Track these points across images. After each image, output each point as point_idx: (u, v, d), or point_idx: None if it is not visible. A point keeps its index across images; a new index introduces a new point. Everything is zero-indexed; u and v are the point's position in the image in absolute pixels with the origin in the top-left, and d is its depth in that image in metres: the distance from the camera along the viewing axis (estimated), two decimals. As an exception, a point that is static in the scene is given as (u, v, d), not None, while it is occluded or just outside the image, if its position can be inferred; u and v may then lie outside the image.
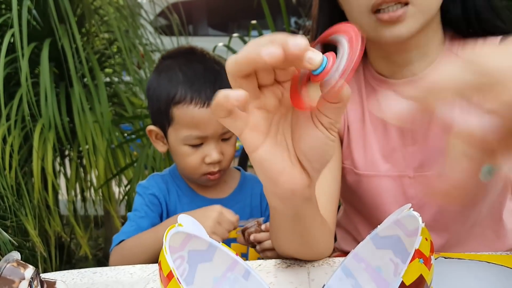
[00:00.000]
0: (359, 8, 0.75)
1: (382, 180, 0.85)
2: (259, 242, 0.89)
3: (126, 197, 1.98)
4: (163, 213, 0.99)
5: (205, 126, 0.91)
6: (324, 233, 0.69)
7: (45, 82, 1.78)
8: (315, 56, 0.38)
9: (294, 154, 0.46)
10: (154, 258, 0.86)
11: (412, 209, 0.46)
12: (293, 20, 4.12)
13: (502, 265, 0.59)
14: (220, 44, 2.02)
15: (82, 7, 2.06)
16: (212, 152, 0.93)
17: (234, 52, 1.98)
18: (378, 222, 0.90)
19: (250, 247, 0.94)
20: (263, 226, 0.90)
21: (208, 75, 0.94)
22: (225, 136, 0.95)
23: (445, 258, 0.64)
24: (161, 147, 1.00)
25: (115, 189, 2.08)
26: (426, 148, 0.83)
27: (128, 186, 1.98)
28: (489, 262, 0.60)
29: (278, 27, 1.88)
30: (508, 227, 0.89)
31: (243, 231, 0.91)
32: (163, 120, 0.95)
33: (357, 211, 0.95)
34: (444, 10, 0.79)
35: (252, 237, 0.89)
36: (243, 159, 3.10)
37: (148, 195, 0.98)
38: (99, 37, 2.22)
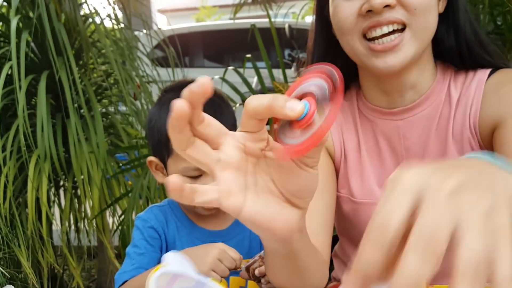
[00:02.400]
0: (351, 33, 0.76)
1: None
2: (264, 275, 0.88)
3: (120, 228, 1.97)
4: (162, 245, 0.98)
5: None
6: (318, 265, 0.68)
7: (42, 113, 1.80)
8: (296, 106, 0.38)
9: (280, 195, 0.45)
10: None
11: None
12: (286, 52, 4.19)
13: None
14: (216, 76, 2.06)
15: (80, 40, 2.10)
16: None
17: (229, 84, 2.02)
18: None
19: (256, 282, 0.93)
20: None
21: (208, 108, 0.95)
22: None
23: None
24: (160, 178, 1.00)
25: (109, 219, 2.07)
26: None
27: (122, 216, 1.97)
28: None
29: (272, 60, 1.92)
30: None
31: (247, 268, 0.90)
32: (163, 152, 0.96)
33: (352, 242, 0.95)
34: (437, 42, 0.81)
35: (257, 271, 0.88)
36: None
37: (147, 228, 0.97)
38: (96, 69, 2.26)
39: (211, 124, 0.43)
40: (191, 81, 1.08)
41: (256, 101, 0.39)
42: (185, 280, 0.51)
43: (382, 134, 0.86)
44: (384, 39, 0.73)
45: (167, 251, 0.98)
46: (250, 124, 0.41)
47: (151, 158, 1.00)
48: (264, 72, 1.88)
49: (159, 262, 0.94)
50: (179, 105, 0.38)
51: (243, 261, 0.90)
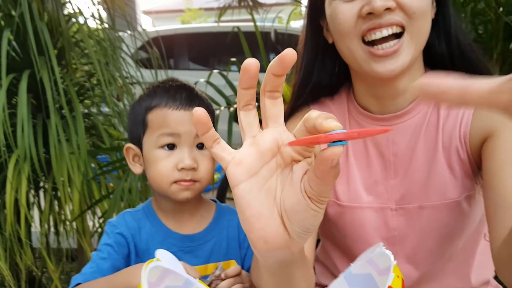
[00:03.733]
0: (350, 35, 0.76)
1: (365, 211, 0.86)
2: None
3: (99, 230, 1.95)
4: (131, 254, 0.96)
5: (177, 124, 0.91)
6: (307, 278, 0.65)
7: (22, 113, 1.77)
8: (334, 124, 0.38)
9: (279, 208, 0.45)
10: None
11: (384, 247, 0.47)
12: (271, 56, 4.20)
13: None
14: (202, 80, 2.05)
15: (62, 40, 2.08)
16: (184, 157, 0.91)
17: (214, 86, 2.01)
18: (356, 257, 0.90)
19: None
20: (222, 275, 0.88)
21: (185, 87, 0.97)
22: (200, 141, 0.94)
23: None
24: (137, 169, 0.99)
25: (90, 222, 2.05)
26: (407, 181, 0.84)
27: (102, 219, 1.95)
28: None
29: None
30: (481, 262, 0.90)
31: (209, 284, 0.88)
32: (139, 131, 0.95)
33: (336, 245, 0.95)
34: (428, 47, 0.81)
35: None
36: (222, 191, 3.10)
37: (115, 234, 0.94)
38: (79, 69, 2.23)
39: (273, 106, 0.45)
40: (176, 80, 1.08)
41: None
42: (176, 278, 0.51)
43: (371, 138, 0.86)
44: (384, 44, 0.74)
45: (137, 258, 0.96)
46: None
47: (128, 144, 0.98)
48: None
49: (119, 269, 0.91)
50: (252, 61, 0.42)
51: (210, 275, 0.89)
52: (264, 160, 0.44)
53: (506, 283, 0.70)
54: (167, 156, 0.92)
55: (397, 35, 0.75)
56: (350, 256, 0.91)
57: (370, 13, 0.73)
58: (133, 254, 0.95)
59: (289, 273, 0.55)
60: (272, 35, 3.46)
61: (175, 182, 0.92)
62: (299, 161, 0.44)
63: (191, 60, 5.71)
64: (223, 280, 0.88)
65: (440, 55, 0.84)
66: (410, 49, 0.75)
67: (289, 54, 0.40)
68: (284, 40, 3.56)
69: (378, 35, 0.74)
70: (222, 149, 0.45)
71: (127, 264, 0.95)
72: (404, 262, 0.87)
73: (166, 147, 0.92)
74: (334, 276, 0.98)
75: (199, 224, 1.00)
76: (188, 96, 0.94)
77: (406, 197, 0.84)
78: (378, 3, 0.71)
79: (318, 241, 1.14)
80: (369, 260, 0.49)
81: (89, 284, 0.88)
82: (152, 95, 0.95)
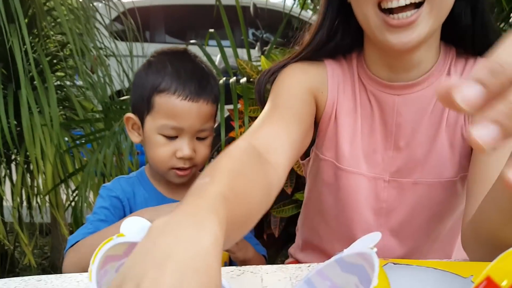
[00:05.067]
0: (366, 1, 0.71)
1: (359, 178, 0.85)
2: None
3: (73, 204, 1.92)
4: (126, 214, 0.96)
5: (182, 118, 0.91)
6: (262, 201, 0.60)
7: (-8, 83, 1.71)
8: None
9: None
10: None
11: (375, 249, 0.47)
12: (250, 31, 4.15)
13: (446, 271, 0.62)
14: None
15: (34, 7, 2.00)
16: (184, 147, 0.92)
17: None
18: (342, 229, 0.90)
19: None
20: None
21: (197, 73, 0.95)
22: (200, 135, 0.94)
23: (394, 264, 0.65)
24: (135, 138, 0.99)
25: (63, 196, 2.01)
26: (406, 155, 0.83)
27: (76, 192, 1.92)
28: (435, 268, 0.63)
29: (236, 38, 1.89)
30: None
31: None
32: (143, 108, 0.94)
33: (323, 212, 0.94)
34: (450, 20, 0.76)
35: None
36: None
37: (110, 197, 0.95)
38: (51, 39, 2.16)
39: None
40: (183, 49, 1.06)
41: None
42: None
43: (378, 105, 0.84)
44: (401, 14, 0.69)
45: None
46: None
47: (130, 114, 0.98)
48: (228, 51, 1.84)
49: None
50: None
51: None
52: None
53: (470, 257, 0.71)
54: (167, 143, 0.93)
55: (417, 5, 0.70)
56: (336, 224, 0.91)
57: None
58: (128, 214, 0.96)
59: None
60: (252, 9, 3.40)
61: (173, 168, 0.94)
62: None
63: (168, 33, 5.59)
64: None
65: (461, 30, 0.79)
66: (428, 21, 0.70)
67: None
68: (263, 15, 3.51)
69: (395, 3, 0.68)
70: None
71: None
72: (389, 235, 0.88)
73: (167, 137, 0.93)
74: (317, 249, 0.98)
75: None
76: (199, 84, 0.93)
77: (402, 170, 0.84)
78: None
79: (296, 215, 1.14)
80: (360, 254, 0.49)
81: (86, 239, 0.88)
82: (162, 73, 0.93)
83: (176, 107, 0.90)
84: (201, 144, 0.95)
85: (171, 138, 0.93)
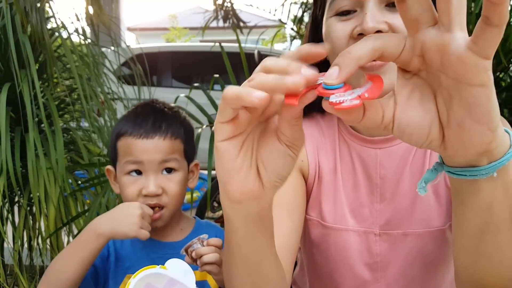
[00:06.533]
0: (340, 48, 0.73)
1: (349, 234, 0.84)
2: (200, 257, 0.88)
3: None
4: (111, 256, 0.99)
5: (140, 152, 0.94)
6: (278, 278, 0.63)
7: (1, 126, 1.74)
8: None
9: (255, 160, 0.47)
10: (84, 269, 0.87)
11: None
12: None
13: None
14: (182, 95, 2.05)
15: (45, 53, 2.06)
16: (149, 184, 0.94)
17: (195, 104, 2.01)
18: (334, 283, 0.89)
19: (195, 264, 0.92)
20: (205, 242, 0.89)
21: (154, 114, 1.00)
22: (166, 165, 0.96)
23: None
24: (117, 188, 1.02)
25: (64, 239, 2.00)
26: (393, 207, 0.83)
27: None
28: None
29: (240, 82, 1.93)
30: None
31: (186, 250, 0.90)
32: (113, 155, 1.00)
33: (315, 268, 0.93)
34: None
35: (194, 253, 0.88)
36: (201, 210, 3.06)
37: None
38: (60, 84, 2.21)
39: None
40: (159, 101, 1.12)
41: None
42: None
43: (360, 159, 0.85)
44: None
45: (117, 262, 0.99)
46: None
47: (109, 166, 1.03)
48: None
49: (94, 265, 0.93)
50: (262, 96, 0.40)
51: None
52: (251, 124, 0.46)
53: None
54: (133, 182, 0.96)
55: None
56: (330, 282, 0.90)
57: (361, 34, 0.71)
58: (113, 257, 0.99)
59: (258, 243, 0.55)
60: (256, 56, 3.50)
61: None
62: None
63: (174, 78, 5.72)
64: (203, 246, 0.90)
65: None
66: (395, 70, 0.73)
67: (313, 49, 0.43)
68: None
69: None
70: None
71: (105, 265, 0.98)
72: None
73: (133, 173, 0.96)
74: None
75: (178, 234, 1.03)
76: (153, 123, 0.97)
77: (391, 222, 0.84)
78: (369, 25, 0.70)
79: (295, 265, 1.13)
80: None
81: (60, 254, 0.91)
82: (123, 121, 0.99)
83: (132, 144, 0.95)
84: (169, 180, 0.96)
85: (138, 174, 0.96)
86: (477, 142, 0.42)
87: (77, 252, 0.88)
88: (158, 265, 0.58)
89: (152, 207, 0.95)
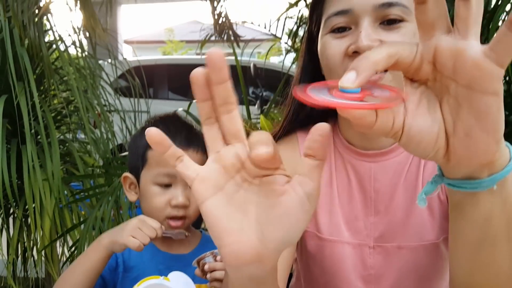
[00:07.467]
0: (337, 71, 0.74)
1: (344, 247, 0.85)
2: (213, 271, 0.88)
3: (70, 259, 1.91)
4: (119, 267, 0.99)
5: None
6: None
7: (-3, 137, 1.75)
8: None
9: (254, 223, 0.43)
10: (90, 280, 0.89)
11: None
12: (250, 90, 4.26)
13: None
14: (180, 109, 2.07)
15: (42, 66, 2.08)
16: (178, 195, 0.95)
17: (193, 117, 2.03)
18: None
19: (204, 278, 0.93)
20: (218, 257, 0.90)
21: (185, 127, 1.02)
22: None
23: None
24: (132, 196, 1.03)
25: (59, 250, 2.00)
26: (387, 220, 0.84)
27: (73, 248, 1.91)
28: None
29: (237, 96, 1.95)
30: None
31: (198, 261, 0.91)
32: (138, 164, 0.99)
33: (311, 279, 0.94)
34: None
35: (206, 266, 0.89)
36: (197, 220, 3.03)
37: None
38: (57, 96, 2.23)
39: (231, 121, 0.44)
40: (176, 116, 1.13)
41: None
42: None
43: (354, 172, 0.86)
44: None
45: (125, 273, 0.99)
46: None
47: (127, 174, 1.03)
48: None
49: (102, 277, 0.94)
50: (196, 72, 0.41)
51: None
52: (229, 176, 0.43)
53: None
54: (163, 193, 0.97)
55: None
56: None
57: (356, 52, 0.72)
58: (121, 268, 0.99)
59: None
60: (252, 69, 3.52)
61: (168, 218, 0.97)
62: (265, 176, 0.43)
63: (171, 91, 5.74)
64: (216, 262, 0.90)
65: None
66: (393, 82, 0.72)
67: (214, 54, 0.40)
68: (263, 74, 3.62)
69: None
70: (186, 167, 0.44)
71: (113, 276, 0.98)
72: None
73: (162, 186, 0.97)
74: None
75: (186, 246, 1.04)
76: (187, 136, 0.98)
77: (385, 235, 0.84)
78: (364, 43, 0.70)
79: (290, 276, 1.14)
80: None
81: (68, 269, 0.92)
82: None
83: None
84: None
85: (166, 187, 0.97)
86: (483, 152, 0.43)
87: (82, 263, 0.90)
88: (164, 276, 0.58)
89: (179, 218, 0.97)
